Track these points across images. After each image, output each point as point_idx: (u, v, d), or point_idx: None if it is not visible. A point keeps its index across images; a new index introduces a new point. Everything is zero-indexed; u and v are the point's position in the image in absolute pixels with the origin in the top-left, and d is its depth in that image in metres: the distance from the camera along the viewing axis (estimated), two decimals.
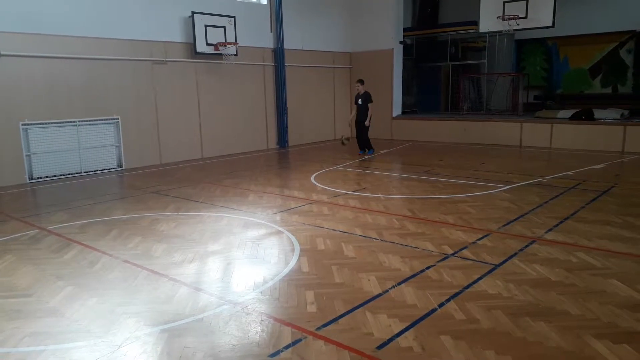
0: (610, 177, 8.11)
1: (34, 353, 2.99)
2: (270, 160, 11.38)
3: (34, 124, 8.82)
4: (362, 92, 11.18)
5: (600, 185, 7.43)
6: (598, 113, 12.16)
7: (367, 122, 11.22)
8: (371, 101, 11.16)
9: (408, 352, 2.90)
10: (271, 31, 12.98)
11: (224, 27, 11.31)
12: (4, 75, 8.40)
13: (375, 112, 15.08)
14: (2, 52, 8.28)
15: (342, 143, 11.97)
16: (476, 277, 3.98)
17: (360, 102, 11.24)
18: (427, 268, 4.21)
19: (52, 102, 9.00)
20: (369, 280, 3.98)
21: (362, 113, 11.30)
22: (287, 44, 13.27)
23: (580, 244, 4.77)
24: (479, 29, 13.35)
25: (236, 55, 11.72)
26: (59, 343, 3.10)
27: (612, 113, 12.15)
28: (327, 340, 3.04)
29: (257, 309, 3.52)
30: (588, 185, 7.51)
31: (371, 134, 15.06)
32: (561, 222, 5.53)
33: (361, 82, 11.27)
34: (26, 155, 8.77)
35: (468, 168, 9.35)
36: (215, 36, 11.15)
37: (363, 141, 11.69)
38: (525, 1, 12.17)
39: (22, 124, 8.64)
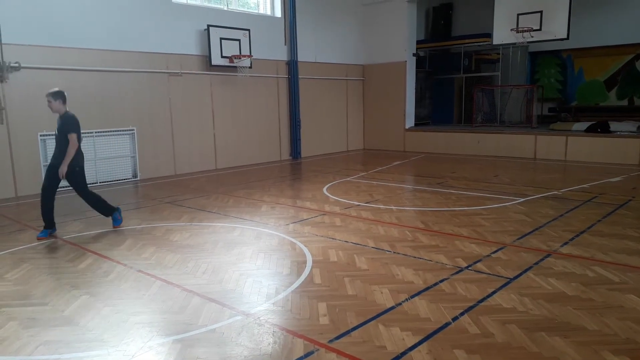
0: (627, 191, 7.99)
1: None
2: (283, 171, 11.42)
3: (52, 134, 8.94)
4: (62, 112, 5.83)
5: (616, 199, 7.32)
6: (614, 125, 12.01)
7: (62, 169, 5.68)
8: (73, 131, 5.71)
9: None
10: (285, 44, 13.11)
11: (239, 40, 11.49)
12: (24, 86, 8.58)
13: (387, 124, 15.20)
14: (22, 65, 8.47)
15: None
16: (490, 290, 3.94)
17: (57, 130, 5.85)
18: (441, 281, 4.18)
19: None
20: (381, 292, 3.96)
21: (58, 150, 5.82)
22: (301, 57, 13.38)
23: (597, 258, 4.70)
24: (492, 41, 13.36)
25: (250, 67, 11.85)
26: (73, 352, 3.12)
27: (629, 125, 12.00)
28: (339, 353, 3.02)
29: (270, 320, 3.51)
30: (604, 198, 7.41)
31: (381, 145, 14.80)
32: (577, 235, 5.45)
33: (55, 95, 5.78)
34: (44, 166, 8.90)
35: (482, 180, 9.29)
36: (230, 49, 11.32)
37: (47, 209, 5.85)
38: (539, 13, 12.17)
39: (41, 135, 8.81)
